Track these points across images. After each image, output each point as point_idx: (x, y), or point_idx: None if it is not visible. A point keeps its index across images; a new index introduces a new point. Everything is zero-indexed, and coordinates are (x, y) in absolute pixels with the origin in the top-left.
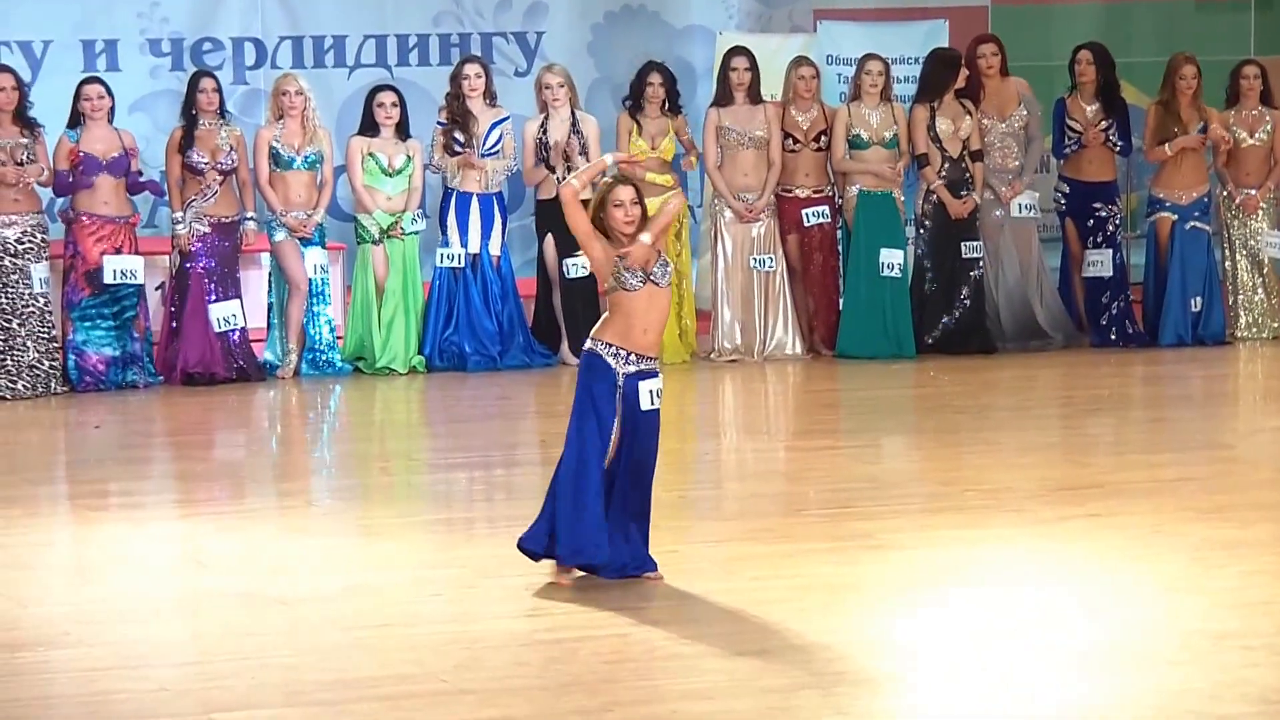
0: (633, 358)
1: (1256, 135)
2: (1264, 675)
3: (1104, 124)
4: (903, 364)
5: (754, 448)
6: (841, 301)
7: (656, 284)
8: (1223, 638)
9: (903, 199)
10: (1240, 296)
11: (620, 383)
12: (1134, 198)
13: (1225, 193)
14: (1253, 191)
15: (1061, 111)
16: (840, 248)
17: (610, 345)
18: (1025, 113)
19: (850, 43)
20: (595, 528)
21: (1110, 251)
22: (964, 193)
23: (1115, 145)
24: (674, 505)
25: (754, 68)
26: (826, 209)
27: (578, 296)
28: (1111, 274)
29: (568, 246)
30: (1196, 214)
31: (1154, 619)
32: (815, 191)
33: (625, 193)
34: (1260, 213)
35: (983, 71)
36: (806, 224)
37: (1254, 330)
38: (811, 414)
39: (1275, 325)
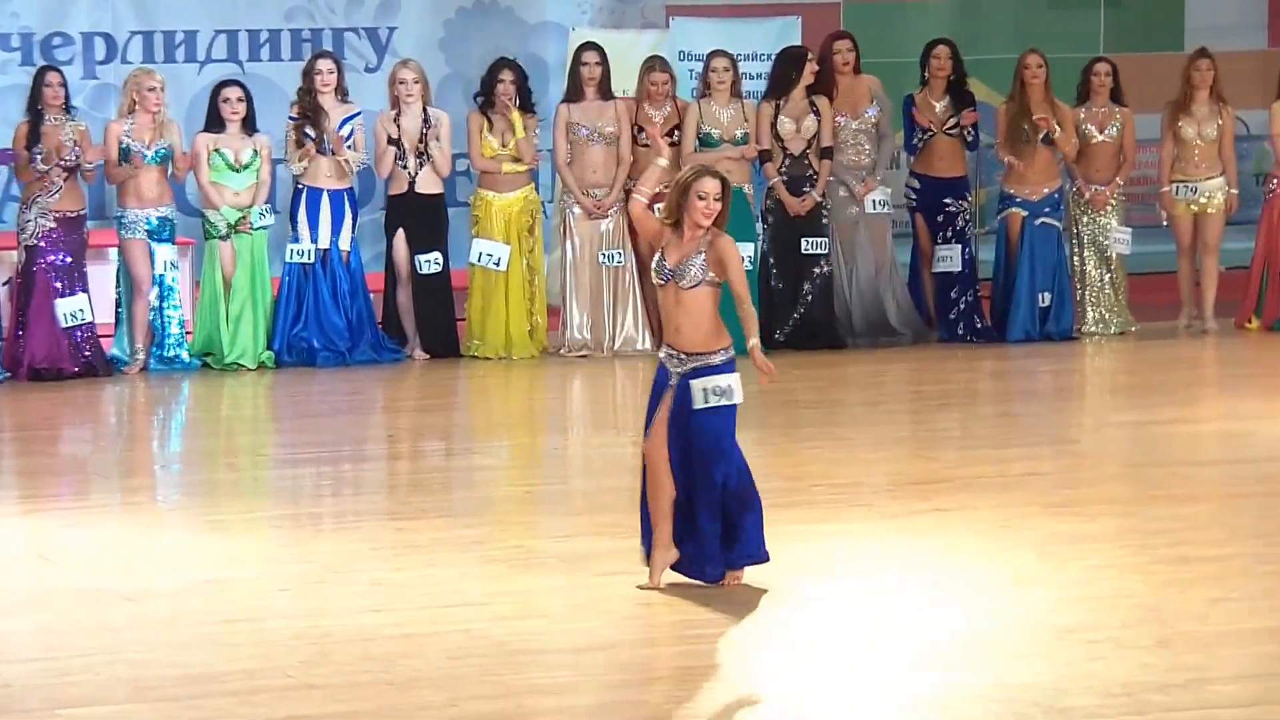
0: (681, 356)
1: (1106, 132)
2: (1109, 669)
3: (953, 119)
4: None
5: (602, 443)
6: None
7: (677, 284)
8: (1069, 631)
9: (753, 194)
10: (1088, 292)
11: (674, 382)
12: (983, 193)
13: (1075, 189)
14: (1102, 188)
15: (910, 107)
16: None
17: (664, 346)
18: (877, 109)
19: (703, 39)
20: (647, 528)
21: (960, 247)
22: (806, 189)
23: (967, 138)
24: (521, 500)
25: (604, 63)
26: None
27: (429, 293)
28: (961, 269)
29: (419, 242)
30: (1047, 210)
31: (1001, 613)
32: (666, 188)
33: (711, 185)
34: (1109, 209)
35: (837, 68)
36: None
37: (1101, 326)
38: None
39: (1122, 321)
